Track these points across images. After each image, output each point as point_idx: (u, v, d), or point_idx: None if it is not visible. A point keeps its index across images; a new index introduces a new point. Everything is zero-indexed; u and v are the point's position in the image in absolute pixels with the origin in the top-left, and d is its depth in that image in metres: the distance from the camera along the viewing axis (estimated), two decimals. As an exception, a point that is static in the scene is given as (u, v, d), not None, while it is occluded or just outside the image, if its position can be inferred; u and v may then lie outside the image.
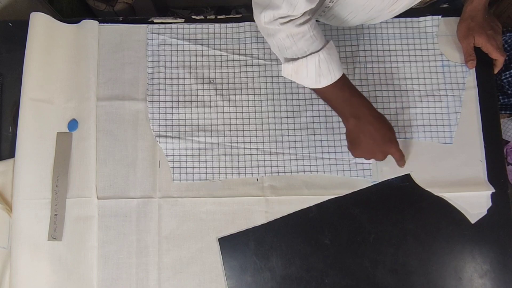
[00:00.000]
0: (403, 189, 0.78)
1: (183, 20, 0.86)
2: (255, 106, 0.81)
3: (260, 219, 0.77)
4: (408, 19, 0.84)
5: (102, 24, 0.85)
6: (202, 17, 0.86)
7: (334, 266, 0.76)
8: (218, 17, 0.86)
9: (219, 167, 0.79)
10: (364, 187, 0.78)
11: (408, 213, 0.77)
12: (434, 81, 0.81)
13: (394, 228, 0.77)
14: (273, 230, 0.77)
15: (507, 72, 1.25)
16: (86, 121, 0.80)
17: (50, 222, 0.77)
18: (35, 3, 1.08)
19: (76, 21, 0.85)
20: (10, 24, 0.86)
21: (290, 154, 0.80)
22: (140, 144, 0.80)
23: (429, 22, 0.84)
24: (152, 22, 0.85)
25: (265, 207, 0.78)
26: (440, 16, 0.84)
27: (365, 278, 0.76)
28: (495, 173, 0.78)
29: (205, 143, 0.80)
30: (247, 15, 0.86)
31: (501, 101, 1.29)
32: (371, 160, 0.79)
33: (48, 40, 0.82)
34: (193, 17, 0.86)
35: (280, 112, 0.81)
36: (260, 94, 0.81)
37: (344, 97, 0.68)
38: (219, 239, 0.77)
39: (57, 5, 1.20)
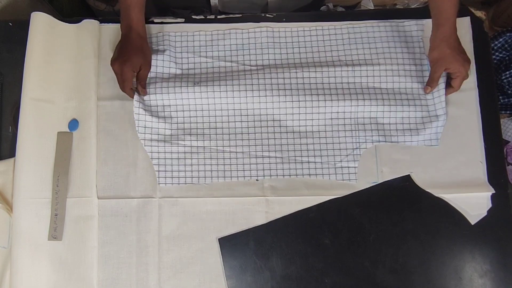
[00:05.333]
0: (403, 189, 0.78)
1: (183, 20, 0.86)
2: (240, 109, 0.81)
3: (260, 219, 0.77)
4: (394, 23, 0.84)
5: (103, 23, 0.85)
6: (202, 17, 0.86)
7: (334, 266, 0.76)
8: (218, 17, 0.86)
9: (205, 171, 0.79)
10: (364, 187, 0.78)
11: (408, 213, 0.77)
12: (421, 85, 0.80)
13: (394, 228, 0.77)
14: (273, 230, 0.77)
15: (507, 72, 1.25)
16: (86, 121, 0.80)
17: (50, 222, 0.77)
18: (35, 2, 1.07)
19: (76, 20, 0.84)
20: (10, 24, 0.86)
21: (276, 157, 0.80)
22: (140, 144, 0.80)
23: (414, 27, 0.84)
24: (152, 22, 0.85)
25: (265, 207, 0.78)
26: (424, 21, 0.83)
27: (365, 278, 0.76)
28: (495, 173, 0.78)
29: (191, 146, 0.80)
30: (247, 15, 0.86)
31: (501, 101, 1.29)
32: (357, 163, 0.79)
33: (49, 40, 0.82)
34: (193, 17, 0.86)
35: (266, 115, 0.81)
36: (246, 97, 0.80)
37: None
38: (219, 239, 0.77)
39: (57, 5, 1.20)
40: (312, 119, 0.80)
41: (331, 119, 0.80)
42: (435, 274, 0.76)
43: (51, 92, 0.81)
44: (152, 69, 0.81)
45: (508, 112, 1.32)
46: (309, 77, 0.81)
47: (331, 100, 0.80)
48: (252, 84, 0.80)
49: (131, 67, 0.74)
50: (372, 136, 0.79)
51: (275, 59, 0.84)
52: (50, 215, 0.77)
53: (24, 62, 0.80)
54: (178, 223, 0.78)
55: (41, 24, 0.81)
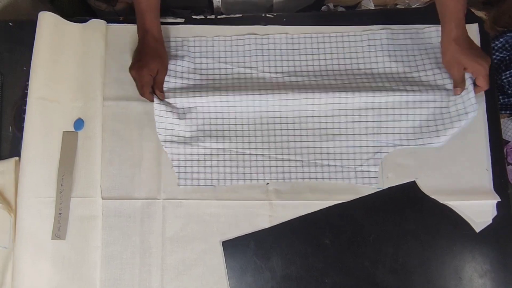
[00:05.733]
0: (406, 192, 0.78)
1: (183, 20, 0.86)
2: (261, 112, 0.81)
3: (264, 223, 0.77)
4: (413, 30, 0.84)
5: (109, 24, 0.85)
6: (202, 17, 0.86)
7: (334, 266, 0.76)
8: (219, 17, 0.86)
9: (224, 173, 0.79)
10: (369, 193, 0.78)
11: (408, 213, 0.78)
12: (447, 87, 0.79)
13: (394, 228, 0.77)
14: (276, 232, 0.77)
15: (507, 72, 1.25)
16: (92, 121, 0.80)
17: (54, 221, 0.77)
18: (36, 2, 1.07)
19: (83, 20, 0.84)
20: (10, 24, 0.86)
21: (296, 160, 0.79)
22: (145, 145, 0.80)
23: (434, 33, 0.83)
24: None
25: (269, 211, 0.78)
26: None
27: (365, 278, 0.76)
28: (495, 173, 0.78)
29: (211, 148, 0.80)
30: (247, 16, 0.86)
31: (501, 101, 1.30)
32: (377, 168, 0.79)
33: (55, 39, 0.81)
34: (193, 17, 0.86)
35: (287, 117, 0.81)
36: (267, 100, 0.79)
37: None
38: (222, 242, 0.77)
39: (58, 5, 1.19)
40: (333, 122, 0.80)
41: (353, 122, 0.80)
42: (435, 274, 0.76)
43: (57, 92, 0.80)
44: (172, 75, 0.81)
45: (508, 112, 1.32)
46: (330, 84, 0.81)
47: (353, 102, 0.79)
48: (273, 90, 0.79)
49: (148, 71, 0.75)
50: (394, 140, 0.79)
51: (294, 66, 0.83)
52: (54, 215, 0.77)
53: (30, 62, 0.79)
54: (181, 224, 0.78)
55: (48, 24, 0.81)
